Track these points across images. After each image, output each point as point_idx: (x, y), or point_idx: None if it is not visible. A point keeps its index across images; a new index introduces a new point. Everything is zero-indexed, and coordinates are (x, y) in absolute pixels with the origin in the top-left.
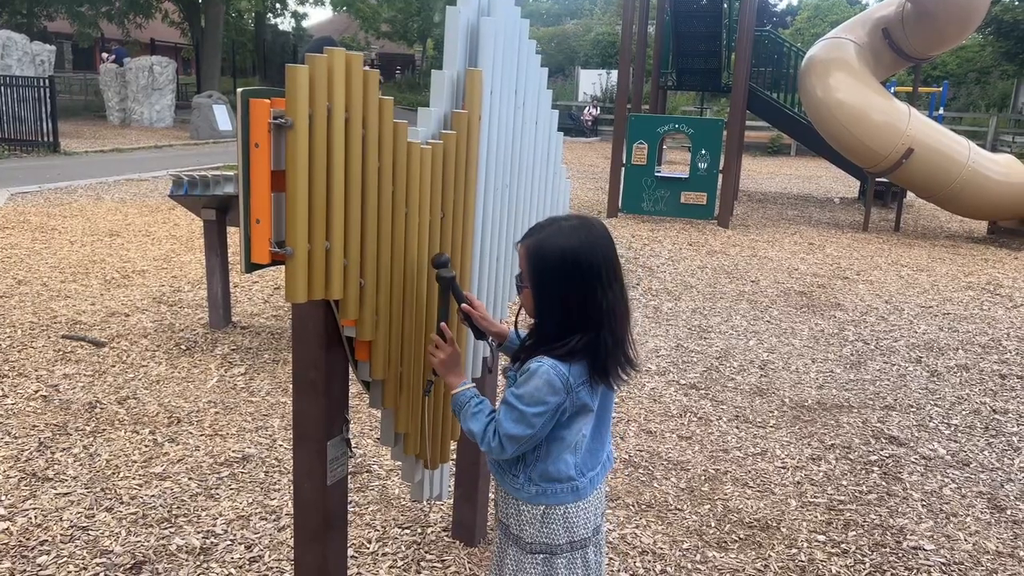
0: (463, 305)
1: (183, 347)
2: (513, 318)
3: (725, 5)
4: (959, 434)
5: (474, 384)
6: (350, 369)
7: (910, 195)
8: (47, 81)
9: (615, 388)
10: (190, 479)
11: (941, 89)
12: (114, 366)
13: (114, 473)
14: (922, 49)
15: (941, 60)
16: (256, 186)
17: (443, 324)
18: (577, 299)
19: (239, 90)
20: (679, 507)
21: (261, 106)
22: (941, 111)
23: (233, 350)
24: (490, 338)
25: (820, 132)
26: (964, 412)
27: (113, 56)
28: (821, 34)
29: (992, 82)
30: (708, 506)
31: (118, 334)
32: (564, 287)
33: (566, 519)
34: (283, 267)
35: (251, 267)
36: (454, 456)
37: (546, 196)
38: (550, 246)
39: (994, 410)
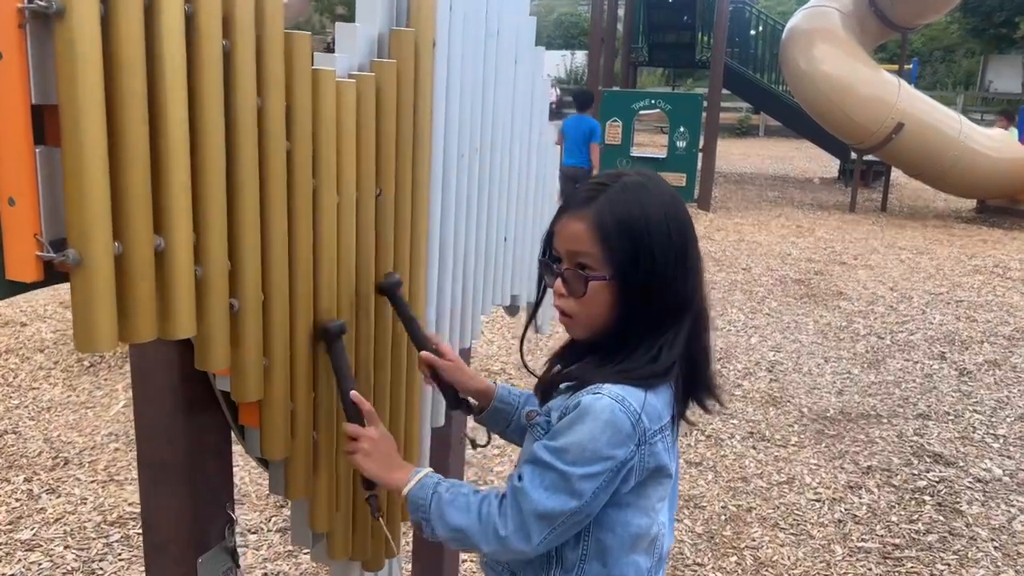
0: (423, 353)
1: (86, 364)
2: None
3: None
4: (1011, 447)
5: (430, 469)
6: (233, 436)
7: (894, 173)
8: None
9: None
10: (67, 547)
11: (911, 66)
12: None
13: None
14: (908, 17)
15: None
16: (4, 136)
17: (353, 393)
18: (681, 281)
19: None
20: (699, 561)
21: None
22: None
23: None
24: (469, 400)
25: (804, 107)
26: (1009, 419)
27: None
28: (789, 12)
29: (957, 60)
30: (735, 558)
31: (8, 348)
32: (663, 263)
33: None
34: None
35: (7, 290)
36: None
37: (530, 164)
38: (639, 205)
39: None
